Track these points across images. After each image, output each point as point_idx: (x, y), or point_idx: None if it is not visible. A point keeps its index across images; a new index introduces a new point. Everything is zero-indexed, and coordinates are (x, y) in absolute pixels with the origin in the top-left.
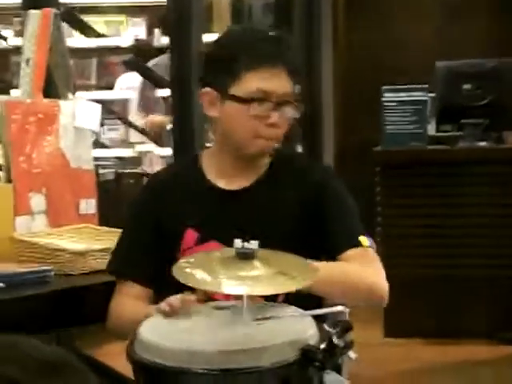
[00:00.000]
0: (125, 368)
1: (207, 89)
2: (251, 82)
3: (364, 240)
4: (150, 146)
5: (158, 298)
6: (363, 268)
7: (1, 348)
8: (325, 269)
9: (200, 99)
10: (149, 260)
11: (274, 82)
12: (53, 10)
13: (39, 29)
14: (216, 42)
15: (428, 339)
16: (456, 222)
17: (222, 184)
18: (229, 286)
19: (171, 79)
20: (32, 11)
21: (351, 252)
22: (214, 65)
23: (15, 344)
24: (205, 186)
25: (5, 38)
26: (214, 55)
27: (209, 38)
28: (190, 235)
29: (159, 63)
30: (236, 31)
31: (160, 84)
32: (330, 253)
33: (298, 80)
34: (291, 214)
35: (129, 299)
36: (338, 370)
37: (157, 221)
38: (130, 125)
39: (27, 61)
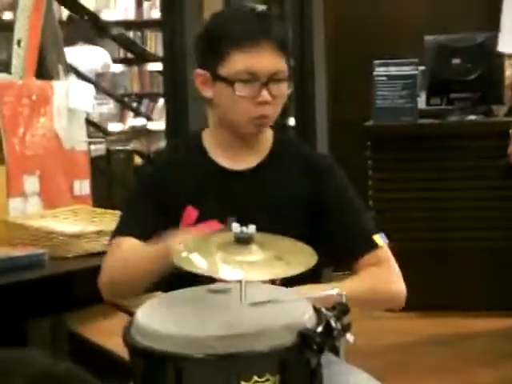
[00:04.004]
0: (119, 348)
1: (199, 70)
2: (236, 62)
3: (378, 239)
4: (142, 121)
5: (157, 284)
6: (383, 277)
7: (9, 361)
8: (351, 290)
9: (194, 81)
10: (151, 226)
11: (260, 59)
12: None
13: (32, 8)
14: (206, 23)
15: (420, 312)
16: (446, 195)
17: (224, 163)
18: (225, 270)
19: (164, 53)
20: None
21: (368, 256)
22: (203, 46)
23: (23, 357)
24: (207, 164)
25: None
26: (202, 36)
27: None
28: (190, 213)
29: None
30: (222, 12)
31: (150, 58)
32: (347, 255)
33: (288, 55)
34: (293, 198)
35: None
36: (335, 352)
37: (158, 197)
38: (119, 100)
39: (19, 41)
